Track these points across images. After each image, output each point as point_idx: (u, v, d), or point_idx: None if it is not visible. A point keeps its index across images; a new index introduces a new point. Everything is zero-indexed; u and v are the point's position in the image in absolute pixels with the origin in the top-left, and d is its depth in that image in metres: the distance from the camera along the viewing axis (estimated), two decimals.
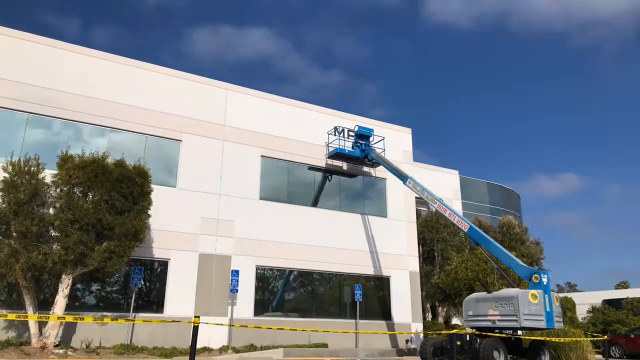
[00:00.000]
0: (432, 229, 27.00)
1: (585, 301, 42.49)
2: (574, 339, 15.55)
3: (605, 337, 18.22)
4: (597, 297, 45.24)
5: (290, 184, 20.94)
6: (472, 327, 14.64)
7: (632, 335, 22.83)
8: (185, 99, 19.05)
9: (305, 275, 20.34)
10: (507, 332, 14.48)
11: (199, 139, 18.91)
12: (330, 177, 21.82)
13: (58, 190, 13.70)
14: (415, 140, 28.27)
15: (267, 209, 19.68)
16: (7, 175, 13.31)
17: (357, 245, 21.35)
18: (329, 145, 21.79)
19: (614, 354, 22.32)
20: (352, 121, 23.00)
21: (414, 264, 22.83)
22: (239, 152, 19.62)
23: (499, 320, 13.81)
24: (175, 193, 17.87)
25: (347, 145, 21.87)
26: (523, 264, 15.05)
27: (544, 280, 13.88)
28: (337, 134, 21.80)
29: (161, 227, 16.82)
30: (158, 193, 15.83)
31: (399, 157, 24.04)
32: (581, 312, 38.15)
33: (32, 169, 13.61)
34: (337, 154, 21.34)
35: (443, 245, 26.76)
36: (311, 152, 21.39)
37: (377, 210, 22.67)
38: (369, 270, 21.50)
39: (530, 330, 14.34)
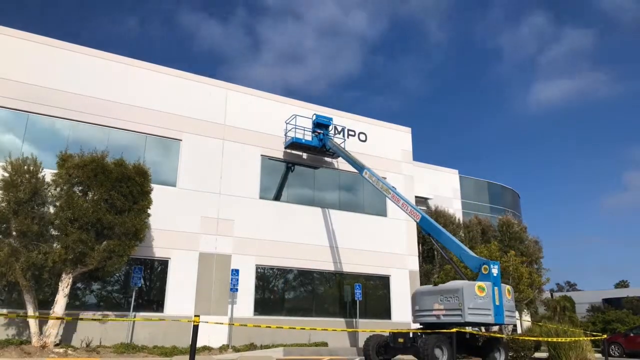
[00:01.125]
0: None
1: (585, 300, 42.59)
2: (574, 338, 15.53)
3: (605, 336, 18.20)
4: (596, 296, 45.32)
5: (290, 183, 20.97)
6: (420, 323, 13.74)
7: (632, 334, 22.85)
8: (185, 98, 19.07)
9: (305, 275, 20.35)
10: (461, 327, 13.22)
11: (199, 138, 18.92)
12: (292, 168, 21.05)
13: (58, 189, 13.71)
14: (415, 139, 28.28)
15: (267, 208, 19.71)
16: (6, 174, 13.33)
17: (357, 245, 21.37)
18: (286, 134, 20.96)
19: (614, 353, 22.35)
20: (352, 120, 23.09)
21: (414, 263, 22.87)
22: (238, 152, 19.64)
23: (443, 315, 12.74)
24: (175, 192, 17.88)
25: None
26: (473, 254, 14.13)
27: (494, 271, 12.77)
28: (295, 124, 20.67)
29: (161, 227, 16.83)
30: (158, 192, 15.85)
31: (399, 157, 24.09)
32: (581, 311, 38.23)
33: (32, 168, 13.62)
34: (294, 144, 20.45)
35: (442, 244, 26.75)
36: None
37: (377, 209, 22.69)
38: (369, 270, 21.52)
39: (477, 325, 13.26)
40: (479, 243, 25.16)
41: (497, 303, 12.50)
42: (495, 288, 12.61)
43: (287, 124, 21.06)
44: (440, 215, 26.59)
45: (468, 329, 13.13)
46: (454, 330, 12.18)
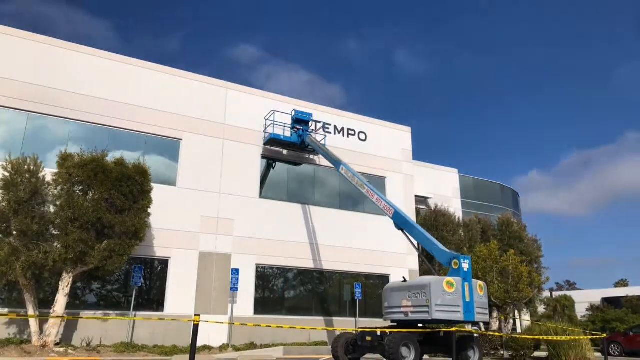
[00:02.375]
0: (431, 228, 27.01)
1: (585, 299, 42.58)
2: (573, 337, 15.55)
3: (605, 335, 18.22)
4: (596, 296, 45.33)
5: (290, 183, 20.99)
6: (390, 320, 13.28)
7: (631, 334, 22.85)
8: (186, 98, 19.08)
9: (305, 274, 20.38)
10: (431, 324, 12.72)
11: (199, 137, 18.94)
12: (274, 165, 20.83)
13: (58, 188, 13.73)
14: (415, 139, 28.18)
15: (267, 208, 19.73)
16: (7, 174, 13.34)
17: (357, 244, 21.39)
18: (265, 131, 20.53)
19: (613, 352, 22.36)
20: (351, 119, 23.12)
21: (413, 262, 22.88)
22: (238, 151, 19.66)
23: (411, 312, 12.21)
24: (175, 192, 17.90)
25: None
26: (444, 248, 13.67)
27: (465, 266, 12.16)
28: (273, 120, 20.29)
29: (161, 226, 16.85)
30: (158, 192, 15.86)
31: (399, 156, 24.11)
32: (580, 311, 38.25)
33: (32, 167, 13.64)
34: (273, 140, 20.07)
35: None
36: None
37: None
38: (369, 269, 21.55)
39: (447, 323, 12.55)
40: (479, 242, 25.16)
41: (468, 299, 11.92)
42: (466, 284, 12.03)
43: (265, 120, 20.59)
44: (440, 214, 26.57)
45: (442, 326, 12.65)
46: (420, 329, 11.95)
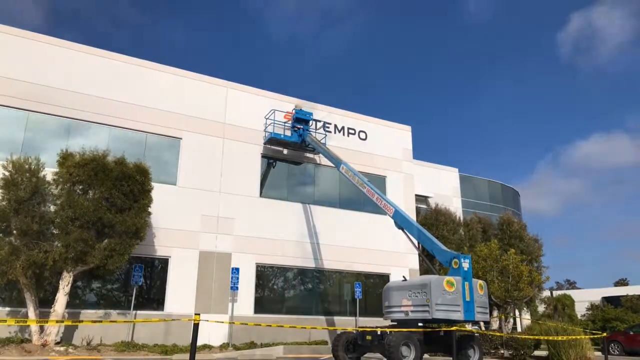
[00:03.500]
0: (431, 227, 27.04)
1: (585, 298, 42.67)
2: (574, 336, 15.55)
3: (605, 334, 18.23)
4: (596, 295, 45.42)
5: (290, 182, 20.99)
6: (391, 320, 13.23)
7: (631, 333, 22.86)
8: (186, 96, 19.07)
9: (305, 273, 20.39)
10: (430, 324, 12.62)
11: (200, 136, 18.93)
12: (274, 164, 20.80)
13: (58, 188, 13.73)
14: (415, 138, 28.19)
15: (267, 207, 19.73)
16: (7, 173, 13.35)
17: (357, 243, 21.39)
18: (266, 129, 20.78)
19: (613, 351, 22.37)
20: (352, 118, 23.11)
21: (414, 262, 22.88)
22: (239, 150, 19.65)
23: (412, 312, 12.22)
24: (175, 191, 17.90)
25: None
26: (445, 247, 13.58)
27: (465, 265, 12.16)
28: (274, 118, 20.30)
29: (162, 225, 16.86)
30: (158, 191, 15.87)
31: (399, 155, 24.10)
32: (580, 310, 38.33)
33: (32, 167, 13.64)
34: (273, 139, 20.03)
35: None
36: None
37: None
38: (369, 268, 21.55)
39: (447, 322, 12.40)
40: (479, 241, 25.17)
41: (468, 299, 11.92)
42: (466, 283, 12.02)
43: (266, 118, 20.57)
44: (440, 214, 26.59)
45: (442, 326, 12.66)
46: (420, 329, 11.89)
